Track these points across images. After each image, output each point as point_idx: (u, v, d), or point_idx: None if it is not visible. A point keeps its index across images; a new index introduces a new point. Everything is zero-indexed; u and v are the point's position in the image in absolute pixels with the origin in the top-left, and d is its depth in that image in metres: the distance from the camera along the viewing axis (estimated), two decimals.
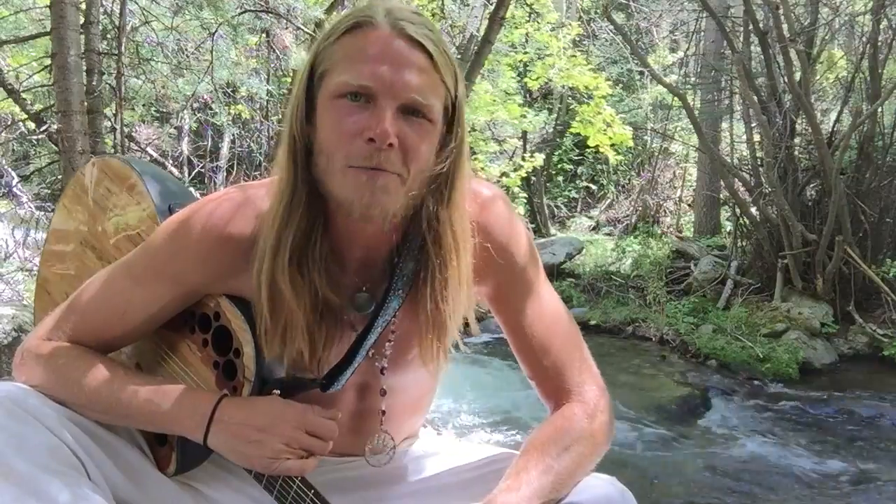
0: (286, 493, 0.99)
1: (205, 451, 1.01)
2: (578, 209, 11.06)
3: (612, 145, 7.45)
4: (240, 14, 5.72)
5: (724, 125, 8.25)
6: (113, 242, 1.20)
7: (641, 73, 10.16)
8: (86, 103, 3.42)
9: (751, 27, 6.11)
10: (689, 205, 9.78)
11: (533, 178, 9.51)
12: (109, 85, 4.44)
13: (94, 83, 3.70)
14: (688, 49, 9.79)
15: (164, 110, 8.21)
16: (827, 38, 6.55)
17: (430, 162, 0.93)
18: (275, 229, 0.93)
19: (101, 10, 4.09)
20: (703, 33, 8.52)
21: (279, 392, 0.99)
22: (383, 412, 1.05)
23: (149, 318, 1.03)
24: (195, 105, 7.31)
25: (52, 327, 1.06)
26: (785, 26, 5.82)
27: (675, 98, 7.21)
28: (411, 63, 0.89)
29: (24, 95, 4.05)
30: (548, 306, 1.08)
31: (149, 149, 7.71)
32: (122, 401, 0.97)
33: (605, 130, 7.26)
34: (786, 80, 5.93)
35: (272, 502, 1.07)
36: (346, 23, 0.91)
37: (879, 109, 5.81)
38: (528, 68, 8.48)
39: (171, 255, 1.00)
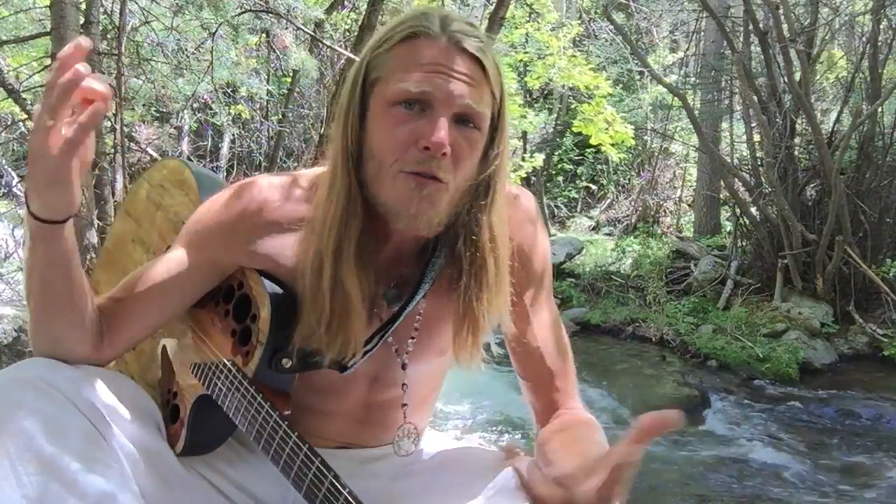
0: (303, 477, 0.94)
1: (216, 432, 1.02)
2: (578, 209, 11.06)
3: (614, 144, 7.45)
4: (240, 14, 5.72)
5: (724, 125, 8.25)
6: (158, 233, 1.23)
7: (641, 73, 10.17)
8: None
9: (751, 27, 6.11)
10: (689, 205, 9.78)
11: (533, 178, 9.51)
12: (109, 85, 4.43)
13: None
14: (688, 49, 9.80)
15: (164, 110, 8.21)
16: (827, 38, 6.56)
17: (474, 169, 0.95)
18: (335, 231, 0.94)
19: (101, 10, 4.08)
20: (703, 33, 8.52)
21: (291, 361, 0.99)
22: (405, 405, 1.07)
23: (187, 287, 1.03)
24: (195, 105, 7.31)
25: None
26: (785, 26, 5.83)
27: (675, 98, 7.22)
28: (466, 73, 0.91)
29: (24, 95, 4.05)
30: (553, 317, 1.12)
31: (149, 149, 7.71)
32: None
33: (606, 129, 7.26)
34: (786, 80, 5.93)
35: (279, 499, 1.08)
36: (402, 31, 0.92)
37: (879, 109, 5.81)
38: (528, 68, 8.47)
39: (209, 228, 1.03)
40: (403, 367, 1.05)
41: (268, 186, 1.03)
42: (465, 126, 0.92)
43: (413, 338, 1.04)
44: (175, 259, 1.04)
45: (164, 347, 1.16)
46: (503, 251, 0.99)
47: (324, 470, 0.89)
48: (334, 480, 0.87)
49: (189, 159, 8.75)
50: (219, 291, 1.08)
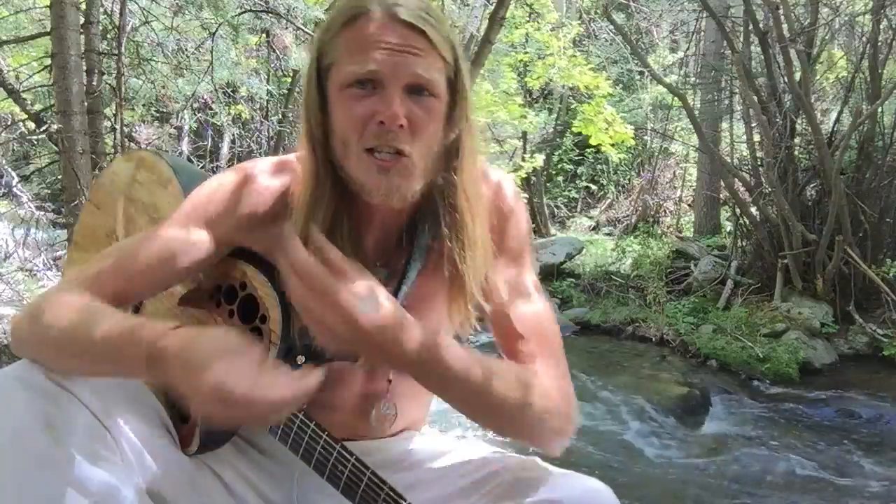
0: (339, 475, 0.98)
1: (226, 429, 1.03)
2: (578, 209, 11.06)
3: (614, 144, 7.45)
4: (240, 14, 5.73)
5: (724, 125, 8.25)
6: (140, 230, 1.22)
7: (641, 73, 10.17)
8: (86, 103, 3.43)
9: (751, 27, 6.11)
10: (689, 205, 9.78)
11: (533, 179, 9.51)
12: (109, 85, 4.44)
13: (94, 83, 3.71)
14: (688, 49, 9.80)
15: (164, 110, 8.21)
16: (827, 38, 6.56)
17: (439, 136, 0.98)
18: (304, 212, 0.98)
19: (101, 10, 4.09)
20: (703, 33, 8.52)
21: (304, 359, 1.01)
22: (389, 381, 1.09)
23: (178, 263, 1.02)
24: (195, 105, 7.31)
25: (71, 279, 1.03)
26: (785, 26, 5.82)
27: (675, 98, 7.22)
28: (409, 44, 0.93)
29: (24, 95, 4.05)
30: (532, 293, 1.07)
31: (149, 149, 7.70)
32: (93, 336, 0.90)
33: (606, 129, 7.26)
34: (786, 80, 5.93)
35: (286, 497, 1.09)
36: (343, 16, 0.96)
37: (879, 109, 5.81)
38: (528, 68, 8.48)
39: (207, 198, 1.04)
40: None
41: (268, 163, 1.07)
42: (419, 95, 0.94)
43: None
44: (178, 234, 1.02)
45: None
46: (480, 210, 1.02)
47: (360, 467, 0.94)
48: (372, 476, 0.92)
49: (190, 159, 8.75)
50: (218, 292, 1.08)
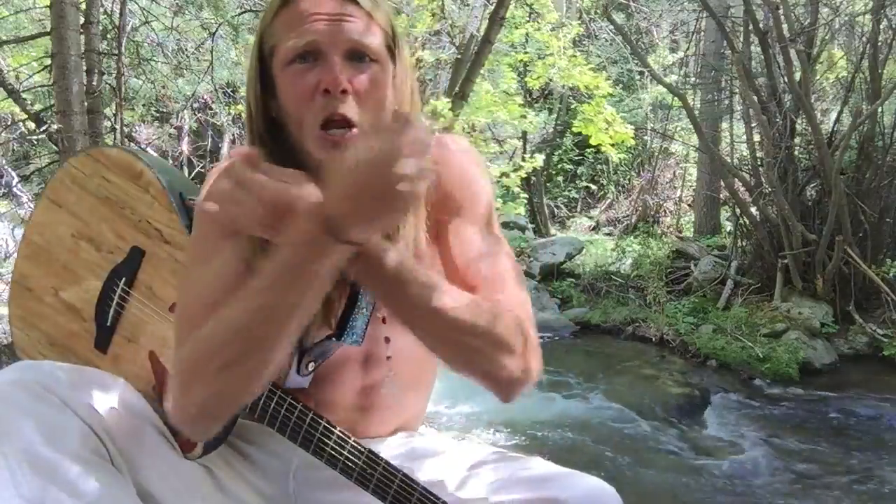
0: (369, 478, 1.00)
1: (224, 430, 1.03)
2: (578, 209, 11.07)
3: (614, 144, 7.45)
4: (240, 14, 5.73)
5: (724, 125, 8.25)
6: (115, 232, 1.19)
7: (641, 73, 10.17)
8: (86, 103, 3.42)
9: (751, 27, 6.11)
10: (689, 205, 9.78)
11: (533, 179, 9.51)
12: (109, 85, 4.43)
13: (94, 83, 3.70)
14: (688, 49, 9.80)
15: (164, 110, 8.21)
16: (827, 38, 6.56)
17: (386, 100, 0.98)
18: None
19: (101, 10, 4.09)
20: (703, 33, 8.52)
21: (314, 361, 1.03)
22: (388, 357, 1.08)
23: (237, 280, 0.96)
24: (195, 105, 7.31)
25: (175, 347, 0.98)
26: (785, 26, 5.83)
27: (675, 98, 7.22)
28: (346, 13, 0.95)
29: (24, 95, 4.05)
30: (494, 246, 1.06)
31: (149, 149, 7.70)
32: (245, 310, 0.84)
33: (606, 129, 7.26)
34: (786, 80, 5.93)
35: (282, 492, 1.09)
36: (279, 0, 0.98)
37: (879, 109, 5.81)
38: (528, 68, 8.47)
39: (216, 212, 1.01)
40: (384, 320, 1.06)
41: None
42: (360, 62, 0.95)
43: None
44: (225, 253, 0.97)
45: (152, 353, 1.15)
46: None
47: (392, 469, 0.96)
48: (404, 478, 0.95)
49: (189, 159, 8.75)
50: None
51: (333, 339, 1.02)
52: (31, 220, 1.31)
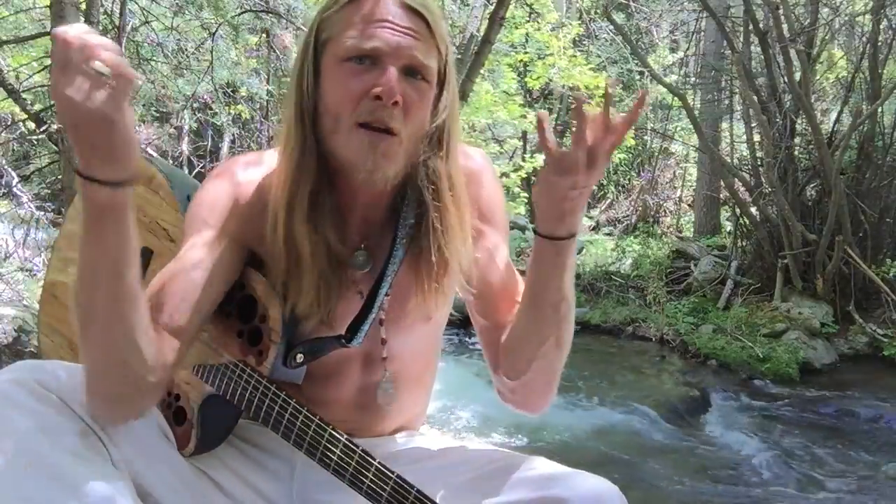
0: (346, 468, 0.98)
1: (223, 427, 1.03)
2: None
3: None
4: (240, 14, 5.73)
5: (724, 125, 8.25)
6: None
7: (641, 73, 10.16)
8: None
9: (751, 27, 6.11)
10: (689, 205, 9.78)
11: (533, 179, 9.51)
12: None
13: None
14: (688, 49, 9.81)
15: (164, 110, 8.21)
16: (827, 38, 6.56)
17: (426, 121, 1.00)
18: (287, 185, 0.98)
19: (101, 10, 4.09)
20: (703, 33, 8.52)
21: (304, 355, 1.02)
22: (384, 358, 1.09)
23: (214, 279, 1.00)
24: (195, 105, 7.31)
25: None
26: (785, 26, 5.83)
27: (675, 98, 7.22)
28: (412, 28, 0.96)
29: (24, 95, 4.04)
30: (509, 263, 1.14)
31: (149, 149, 7.71)
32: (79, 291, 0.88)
33: None
34: (786, 80, 5.93)
35: (283, 494, 1.08)
36: None
37: (879, 109, 5.81)
38: (528, 68, 8.48)
39: (209, 209, 1.04)
40: (381, 322, 1.07)
41: (255, 158, 1.08)
42: (413, 78, 0.96)
43: (388, 295, 1.05)
44: (206, 248, 1.01)
45: None
46: (463, 196, 1.04)
47: (386, 470, 0.93)
48: (398, 480, 0.92)
49: (189, 159, 8.76)
50: None
51: (343, 340, 1.03)
52: (60, 230, 1.37)
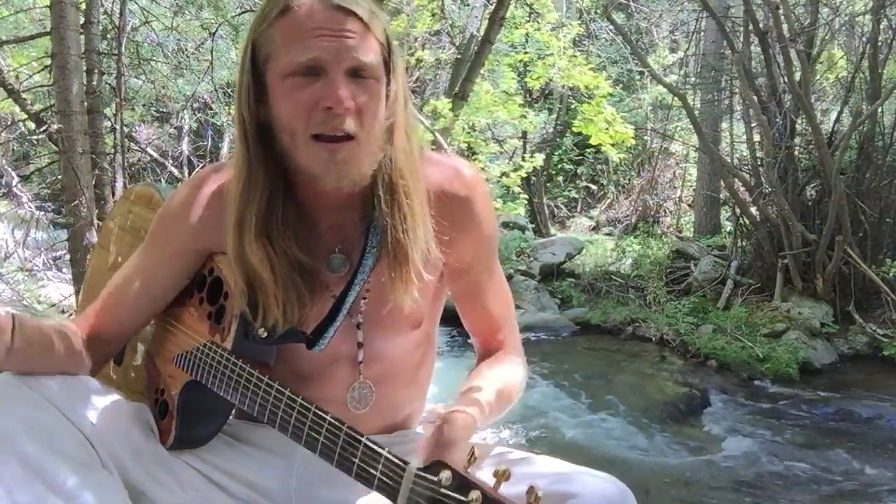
0: (316, 437, 0.95)
1: (203, 415, 1.04)
2: (578, 209, 11.07)
3: (614, 144, 7.44)
4: (240, 14, 5.73)
5: (724, 125, 8.26)
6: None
7: (641, 73, 10.17)
8: (86, 103, 3.42)
9: (751, 27, 6.11)
10: (689, 205, 9.78)
11: (533, 179, 9.51)
12: (109, 85, 4.43)
13: (94, 83, 3.70)
14: (688, 49, 9.80)
15: (164, 110, 8.22)
16: (827, 38, 6.56)
17: (382, 117, 0.99)
18: (236, 206, 0.99)
19: (101, 10, 4.09)
20: (703, 33, 8.52)
21: (266, 334, 1.01)
22: (360, 363, 1.09)
23: (166, 280, 1.10)
24: (195, 105, 7.31)
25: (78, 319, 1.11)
26: (785, 26, 5.83)
27: (675, 98, 7.22)
28: (347, 29, 0.95)
29: (24, 95, 4.04)
30: (498, 278, 1.18)
31: (149, 149, 7.70)
32: None
33: (606, 129, 7.25)
34: (786, 80, 5.93)
35: (281, 491, 1.09)
36: (277, 6, 0.96)
37: (879, 109, 5.81)
38: (528, 68, 8.47)
39: (163, 217, 1.10)
40: (359, 326, 1.07)
41: (208, 171, 1.10)
42: (360, 79, 0.96)
43: (365, 298, 1.05)
44: (149, 257, 1.09)
45: (147, 353, 1.17)
46: (417, 185, 1.02)
47: (337, 423, 0.89)
48: (350, 430, 0.87)
49: (189, 159, 8.75)
50: (192, 284, 1.11)
51: (305, 346, 1.03)
52: (89, 260, 1.55)
